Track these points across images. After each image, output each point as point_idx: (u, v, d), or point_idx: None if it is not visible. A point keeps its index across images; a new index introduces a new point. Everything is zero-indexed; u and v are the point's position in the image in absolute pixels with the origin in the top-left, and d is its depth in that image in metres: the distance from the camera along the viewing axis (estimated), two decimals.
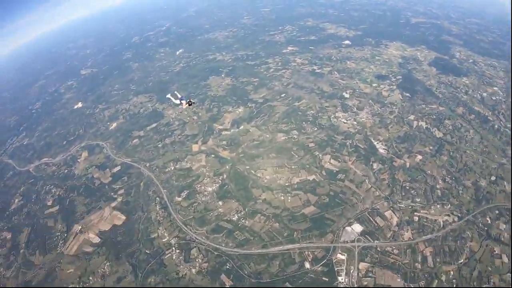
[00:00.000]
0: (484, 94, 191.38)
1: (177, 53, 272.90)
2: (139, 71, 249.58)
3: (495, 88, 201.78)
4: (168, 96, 76.51)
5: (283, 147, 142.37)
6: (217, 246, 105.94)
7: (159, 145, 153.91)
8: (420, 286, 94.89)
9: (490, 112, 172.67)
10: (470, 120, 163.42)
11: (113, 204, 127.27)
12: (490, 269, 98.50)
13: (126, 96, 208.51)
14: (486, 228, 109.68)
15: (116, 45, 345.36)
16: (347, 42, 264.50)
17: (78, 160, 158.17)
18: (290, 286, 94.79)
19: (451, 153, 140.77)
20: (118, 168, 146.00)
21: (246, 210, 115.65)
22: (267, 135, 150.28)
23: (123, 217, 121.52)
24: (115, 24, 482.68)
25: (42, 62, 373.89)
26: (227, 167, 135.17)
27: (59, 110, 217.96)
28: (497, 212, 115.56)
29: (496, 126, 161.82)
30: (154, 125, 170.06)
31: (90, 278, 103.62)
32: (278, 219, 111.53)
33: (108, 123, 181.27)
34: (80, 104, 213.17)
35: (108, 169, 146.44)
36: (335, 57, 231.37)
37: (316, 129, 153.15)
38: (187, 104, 68.77)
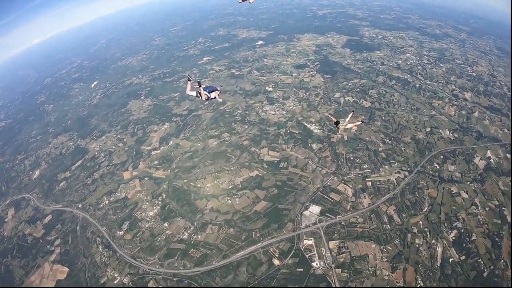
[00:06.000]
0: (399, 61, 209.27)
1: (92, 85, 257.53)
2: (55, 112, 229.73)
3: (407, 54, 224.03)
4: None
5: (218, 152, 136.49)
6: (175, 271, 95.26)
7: (88, 182, 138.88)
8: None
9: (408, 75, 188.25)
10: (392, 86, 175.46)
11: (52, 258, 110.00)
12: (454, 207, 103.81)
13: (45, 140, 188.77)
14: (437, 174, 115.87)
15: (28, 91, 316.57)
16: (260, 42, 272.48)
17: (6, 219, 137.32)
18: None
19: (383, 117, 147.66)
20: (49, 217, 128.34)
21: (195, 224, 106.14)
22: (199, 144, 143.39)
23: (66, 269, 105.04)
24: (25, 70, 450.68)
25: None
26: (164, 186, 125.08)
27: None
28: (442, 157, 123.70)
29: (417, 85, 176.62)
30: (79, 162, 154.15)
31: None
32: (231, 224, 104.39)
33: (30, 173, 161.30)
34: None
35: (39, 222, 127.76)
36: (251, 58, 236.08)
37: (246, 126, 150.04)
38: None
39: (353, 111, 61.87)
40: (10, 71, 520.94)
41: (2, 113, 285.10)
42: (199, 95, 41.29)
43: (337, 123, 49.53)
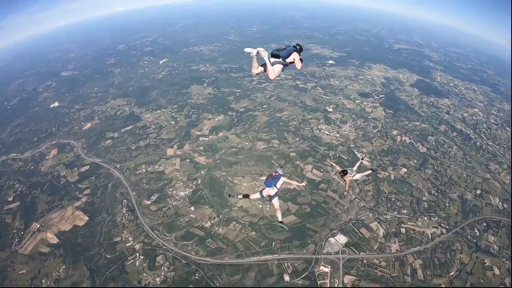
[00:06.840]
0: (465, 114, 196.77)
1: (161, 62, 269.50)
2: (120, 76, 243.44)
3: (475, 109, 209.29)
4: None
5: (263, 155, 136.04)
6: (186, 254, 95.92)
7: (132, 147, 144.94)
8: None
9: (471, 131, 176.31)
10: (452, 137, 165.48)
11: (77, 204, 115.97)
12: (482, 281, 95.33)
13: (104, 98, 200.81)
14: (475, 241, 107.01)
15: (100, 51, 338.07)
16: (331, 61, 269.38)
17: (47, 157, 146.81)
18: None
19: (436, 167, 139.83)
20: (87, 167, 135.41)
21: (220, 217, 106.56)
22: (247, 143, 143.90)
23: (86, 218, 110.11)
24: (102, 32, 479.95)
25: (24, 62, 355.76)
26: (202, 172, 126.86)
27: (35, 108, 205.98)
28: (484, 224, 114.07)
29: (478, 143, 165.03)
30: (129, 127, 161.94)
31: (43, 281, 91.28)
32: (255, 228, 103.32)
33: (82, 123, 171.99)
34: (56, 103, 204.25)
35: (76, 168, 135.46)
36: (318, 75, 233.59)
37: (298, 139, 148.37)
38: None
39: (362, 159, 51.94)
40: (89, 30, 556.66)
41: (72, 64, 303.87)
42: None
43: (343, 173, 37.88)
